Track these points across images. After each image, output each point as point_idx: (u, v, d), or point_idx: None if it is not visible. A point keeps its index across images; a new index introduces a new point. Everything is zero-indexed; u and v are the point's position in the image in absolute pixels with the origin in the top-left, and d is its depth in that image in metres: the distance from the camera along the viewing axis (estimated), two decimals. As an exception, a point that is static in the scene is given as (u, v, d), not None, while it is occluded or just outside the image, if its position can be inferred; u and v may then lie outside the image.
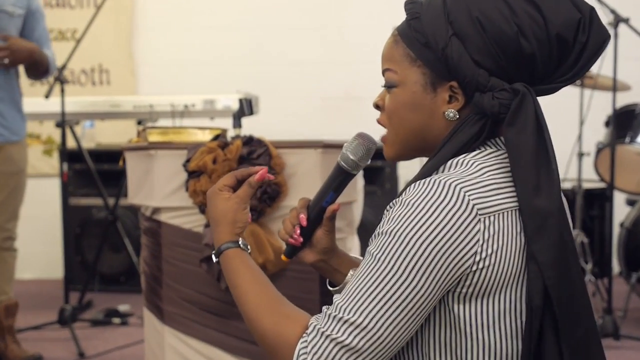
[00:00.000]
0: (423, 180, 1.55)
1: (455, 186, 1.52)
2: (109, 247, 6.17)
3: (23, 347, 4.63)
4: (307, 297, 3.41)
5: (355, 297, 1.53)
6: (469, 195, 1.52)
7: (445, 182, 1.53)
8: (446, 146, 1.63)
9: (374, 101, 1.77)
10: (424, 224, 1.50)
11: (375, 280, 1.52)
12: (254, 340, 3.52)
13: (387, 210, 1.57)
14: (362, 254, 3.57)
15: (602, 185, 5.76)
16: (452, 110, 1.63)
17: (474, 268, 1.52)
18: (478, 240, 1.51)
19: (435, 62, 1.63)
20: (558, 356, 1.56)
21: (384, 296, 1.51)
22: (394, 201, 1.58)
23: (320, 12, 6.91)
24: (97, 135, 6.71)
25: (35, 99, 5.24)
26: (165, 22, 7.12)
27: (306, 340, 1.58)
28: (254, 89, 5.66)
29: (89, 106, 5.65)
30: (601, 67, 4.96)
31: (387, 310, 1.51)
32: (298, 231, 1.86)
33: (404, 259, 1.50)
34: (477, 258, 1.52)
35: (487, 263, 1.52)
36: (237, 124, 3.74)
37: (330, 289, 1.96)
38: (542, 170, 1.57)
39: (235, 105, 5.33)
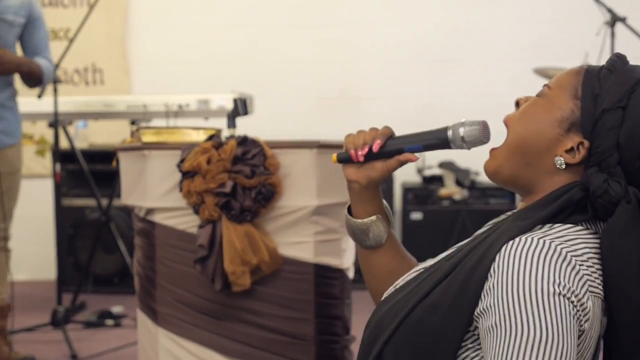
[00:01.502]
0: (532, 240, 1.50)
1: (567, 253, 1.49)
2: (102, 248, 6.16)
3: (15, 349, 4.63)
4: (302, 297, 3.41)
5: None
6: (580, 266, 1.50)
7: (555, 246, 1.49)
8: (548, 204, 1.60)
9: (517, 98, 1.75)
10: (550, 280, 1.45)
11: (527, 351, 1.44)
12: (248, 342, 3.53)
13: (496, 263, 1.51)
14: (357, 256, 3.58)
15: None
16: (563, 160, 1.62)
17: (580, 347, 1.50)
18: (589, 317, 1.49)
19: (590, 114, 1.61)
20: None
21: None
22: (497, 254, 1.51)
23: (316, 11, 6.91)
24: (90, 136, 6.71)
25: (28, 99, 5.22)
26: (159, 21, 7.12)
27: None
28: (249, 88, 5.65)
29: (82, 106, 5.64)
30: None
31: None
32: (365, 150, 1.83)
33: (546, 315, 1.44)
34: (582, 336, 1.50)
35: (584, 346, 1.51)
36: (232, 124, 3.74)
37: (346, 214, 1.95)
38: None
39: (229, 105, 5.33)
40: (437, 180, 6.47)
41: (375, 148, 1.82)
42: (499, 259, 1.50)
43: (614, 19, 5.04)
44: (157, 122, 5.57)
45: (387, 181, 6.18)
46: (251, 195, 3.34)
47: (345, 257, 3.45)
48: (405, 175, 6.48)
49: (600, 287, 1.54)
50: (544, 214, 1.58)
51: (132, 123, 5.65)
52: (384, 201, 1.95)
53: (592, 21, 5.18)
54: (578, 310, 1.46)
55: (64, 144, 5.65)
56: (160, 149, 3.54)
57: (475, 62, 6.72)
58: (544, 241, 1.49)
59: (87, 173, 5.75)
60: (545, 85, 1.70)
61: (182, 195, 3.43)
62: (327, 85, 6.85)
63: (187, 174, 3.41)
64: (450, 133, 1.80)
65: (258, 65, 6.83)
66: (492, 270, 1.50)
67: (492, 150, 1.74)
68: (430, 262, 1.80)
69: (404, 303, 1.64)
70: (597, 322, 1.54)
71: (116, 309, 5.60)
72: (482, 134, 1.79)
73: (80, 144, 6.32)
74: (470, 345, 1.56)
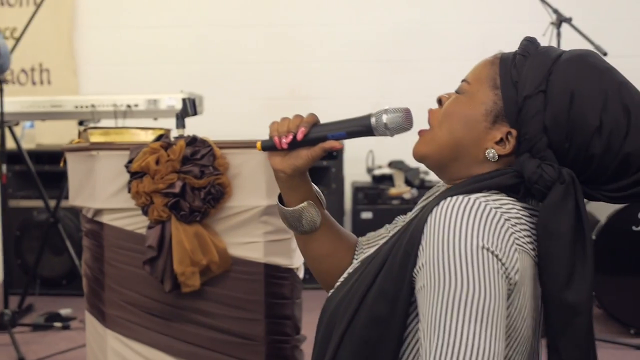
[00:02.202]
0: (459, 197, 1.52)
1: (493, 209, 1.51)
2: (50, 249, 6.11)
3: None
4: (252, 298, 3.41)
5: (442, 336, 1.46)
6: (507, 221, 1.52)
7: (481, 201, 1.52)
8: (475, 182, 1.62)
9: (440, 95, 1.76)
10: (475, 233, 1.48)
11: (454, 311, 1.46)
12: (198, 343, 3.52)
13: (428, 224, 1.53)
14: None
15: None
16: (494, 151, 1.64)
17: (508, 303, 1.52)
18: (517, 269, 1.51)
19: (512, 103, 1.63)
20: None
21: (474, 325, 1.45)
22: (429, 213, 1.53)
23: (266, 9, 6.90)
24: (37, 136, 6.64)
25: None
26: (107, 20, 7.07)
27: None
28: (198, 88, 5.64)
29: (29, 106, 5.59)
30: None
31: (484, 339, 1.45)
32: (289, 138, 1.83)
33: (470, 272, 1.46)
34: (512, 291, 1.51)
35: (515, 303, 1.53)
36: (181, 124, 3.72)
37: (277, 204, 1.95)
38: (577, 265, 1.56)
39: (178, 105, 5.32)
40: (387, 179, 6.49)
41: (299, 136, 1.83)
42: (430, 220, 1.52)
43: (560, 20, 5.09)
44: (105, 123, 5.53)
45: (337, 181, 6.19)
46: (200, 196, 3.34)
47: (295, 257, 3.45)
48: (355, 175, 6.50)
49: (531, 245, 1.56)
50: (475, 186, 1.60)
51: (80, 123, 5.61)
52: (314, 186, 1.96)
53: (539, 22, 5.23)
54: (504, 264, 1.48)
55: (10, 144, 5.60)
56: (108, 149, 3.52)
57: (425, 62, 6.75)
58: (470, 198, 1.52)
59: (34, 174, 5.70)
60: (463, 80, 1.72)
61: (130, 196, 3.41)
62: (277, 85, 6.85)
63: (136, 175, 3.40)
64: (373, 120, 1.81)
65: (207, 65, 6.81)
66: (424, 233, 1.53)
67: (422, 132, 1.77)
68: (372, 249, 1.82)
69: (352, 296, 1.65)
70: (529, 279, 1.55)
71: (64, 312, 5.56)
72: (405, 121, 1.80)
73: (27, 145, 6.25)
74: (416, 327, 1.58)
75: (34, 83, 7.11)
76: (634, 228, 5.25)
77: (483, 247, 1.47)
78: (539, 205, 1.60)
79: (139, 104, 5.39)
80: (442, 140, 1.70)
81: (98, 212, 3.51)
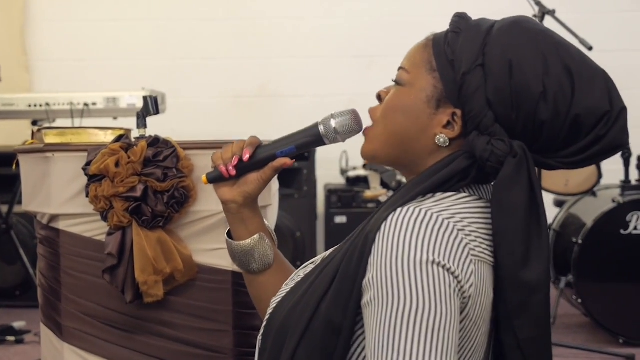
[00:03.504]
0: (410, 209, 1.53)
1: (444, 220, 1.53)
2: (2, 258, 6.10)
3: None
4: (219, 308, 3.41)
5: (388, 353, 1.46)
6: (460, 232, 1.53)
7: (434, 213, 1.53)
8: (431, 176, 1.63)
9: (378, 91, 1.78)
10: (429, 251, 1.49)
11: (400, 330, 1.46)
12: (162, 356, 3.52)
13: (376, 240, 1.53)
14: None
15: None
16: (444, 136, 1.66)
17: (463, 318, 1.54)
18: (471, 283, 1.53)
19: (451, 82, 1.65)
20: None
21: (422, 344, 1.45)
22: (375, 228, 1.55)
23: (232, 3, 6.90)
24: (-12, 137, 6.62)
25: None
26: (61, 13, 7.05)
27: None
28: (160, 86, 5.64)
29: (-21, 105, 5.57)
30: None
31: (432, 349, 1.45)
32: (235, 163, 1.83)
33: (422, 292, 1.46)
34: (467, 302, 1.53)
35: (470, 314, 1.54)
36: (142, 124, 3.71)
37: (227, 239, 1.97)
38: (533, 241, 1.58)
39: (139, 104, 5.31)
40: (362, 181, 6.51)
41: (245, 158, 1.83)
42: (379, 233, 1.53)
43: (543, 12, 5.13)
44: (61, 122, 5.52)
45: (309, 183, 6.20)
46: (163, 200, 3.33)
47: (265, 265, 3.45)
48: (329, 177, 6.52)
49: (487, 251, 1.58)
50: (427, 186, 1.62)
51: (34, 123, 5.60)
52: (265, 221, 1.98)
53: (521, 14, 5.26)
54: (457, 277, 1.49)
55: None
56: (64, 150, 3.51)
57: (399, 58, 6.78)
58: (419, 210, 1.53)
59: (-15, 177, 5.68)
60: (400, 68, 1.75)
61: (88, 201, 3.40)
62: (245, 82, 6.86)
63: (94, 178, 3.39)
64: (322, 128, 1.83)
65: (170, 61, 6.80)
66: (374, 245, 1.54)
67: (367, 130, 1.79)
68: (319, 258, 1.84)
69: (305, 304, 1.66)
70: (488, 287, 1.57)
71: (18, 324, 5.54)
72: (354, 123, 1.82)
73: (-23, 146, 6.23)
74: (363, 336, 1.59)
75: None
76: (622, 232, 5.28)
77: (434, 262, 1.48)
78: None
79: (97, 102, 5.39)
80: (388, 136, 1.72)
81: (54, 217, 3.50)
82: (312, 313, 1.62)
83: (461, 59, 1.64)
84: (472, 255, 1.53)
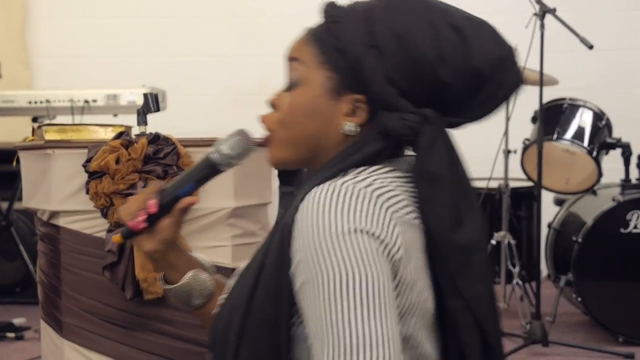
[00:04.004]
0: (324, 186, 1.53)
1: (361, 188, 1.52)
2: (2, 255, 6.10)
3: None
4: (219, 306, 3.42)
5: (332, 325, 1.46)
6: (379, 197, 1.53)
7: (348, 184, 1.52)
8: (343, 160, 1.62)
9: (268, 98, 1.75)
10: (349, 220, 1.48)
11: (338, 303, 1.45)
12: (162, 353, 3.51)
13: (295, 225, 1.53)
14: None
15: (529, 184, 5.86)
16: (352, 124, 1.64)
17: (396, 278, 1.52)
18: (399, 244, 1.52)
19: (346, 70, 1.63)
20: None
21: (363, 311, 1.45)
22: (294, 214, 1.54)
23: (231, 0, 6.91)
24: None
25: None
26: (62, 10, 7.05)
27: None
28: (161, 83, 5.64)
29: (-21, 102, 5.58)
30: (527, 60, 5.05)
31: (376, 321, 1.45)
32: (143, 216, 1.80)
33: (351, 262, 1.46)
34: (398, 264, 1.51)
35: (403, 275, 1.53)
36: (143, 121, 3.71)
37: (162, 284, 1.92)
38: (462, 203, 1.59)
39: (140, 101, 5.31)
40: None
41: (151, 209, 1.80)
42: (298, 216, 1.53)
43: (544, 11, 5.13)
44: (61, 119, 5.52)
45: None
46: (162, 197, 3.34)
47: (265, 262, 3.45)
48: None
49: (412, 214, 1.57)
50: (338, 168, 1.60)
51: (34, 120, 5.60)
52: (196, 255, 1.97)
53: (522, 12, 5.26)
54: (383, 241, 1.49)
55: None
56: (64, 147, 3.51)
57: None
58: (335, 184, 1.52)
59: (-15, 174, 5.69)
60: (289, 71, 1.73)
61: (89, 197, 3.41)
62: (245, 80, 6.86)
63: (95, 175, 3.39)
64: (215, 156, 1.81)
65: (170, 58, 6.81)
66: (293, 232, 1.54)
67: (268, 139, 1.75)
68: None
69: (235, 302, 1.66)
70: (418, 251, 1.57)
71: (18, 321, 5.54)
72: (246, 142, 1.81)
73: (-23, 143, 6.23)
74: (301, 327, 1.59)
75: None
76: (622, 230, 5.28)
77: (356, 230, 1.47)
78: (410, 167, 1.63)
79: (98, 99, 5.39)
80: (295, 139, 1.70)
81: (54, 214, 3.50)
82: (243, 312, 1.61)
83: (350, 45, 1.62)
84: (396, 217, 1.53)
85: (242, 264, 1.84)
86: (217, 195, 3.39)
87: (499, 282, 5.66)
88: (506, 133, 5.45)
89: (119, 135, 3.50)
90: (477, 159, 5.79)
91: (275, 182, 3.52)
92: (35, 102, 5.50)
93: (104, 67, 6.78)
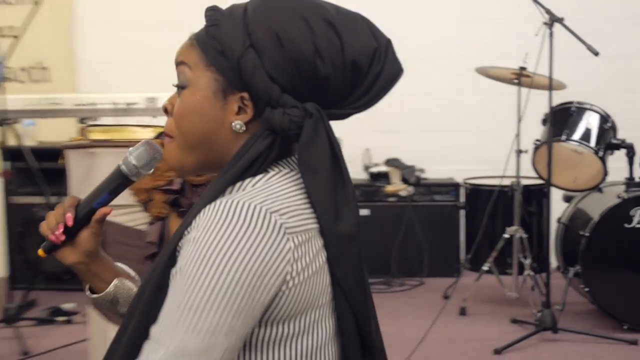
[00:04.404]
0: (219, 203, 1.47)
1: (256, 205, 1.47)
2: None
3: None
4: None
5: (171, 327, 1.45)
6: (273, 214, 1.47)
7: (244, 202, 1.47)
8: (236, 163, 1.57)
9: (163, 104, 1.70)
10: (235, 251, 1.43)
11: (187, 314, 1.43)
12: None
13: (187, 239, 1.49)
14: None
15: (539, 182, 5.84)
16: (240, 122, 1.59)
17: (284, 290, 1.48)
18: (289, 259, 1.47)
19: (229, 70, 1.59)
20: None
21: (201, 329, 1.43)
22: (189, 227, 1.50)
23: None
24: (38, 134, 6.64)
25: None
26: (106, 18, 7.06)
27: None
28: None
29: (30, 104, 5.59)
30: (537, 66, 5.03)
31: (207, 340, 1.43)
32: (61, 229, 1.75)
33: (219, 292, 1.42)
34: (288, 277, 1.47)
35: (296, 283, 1.49)
36: (180, 122, 3.72)
37: (89, 294, 1.88)
38: (339, 194, 1.57)
39: (177, 103, 5.32)
40: (384, 177, 6.49)
41: (68, 222, 1.76)
42: (191, 229, 1.48)
43: (553, 20, 5.10)
44: (104, 121, 5.54)
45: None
46: (199, 193, 3.35)
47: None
48: (352, 172, 6.48)
49: (309, 219, 1.53)
50: (233, 173, 1.56)
51: (80, 121, 5.61)
52: (118, 264, 1.91)
53: (532, 22, 5.24)
54: (267, 265, 1.44)
55: (12, 142, 5.62)
56: (108, 146, 3.54)
57: (417, 61, 6.76)
58: (229, 203, 1.46)
59: (35, 171, 5.71)
60: (178, 75, 1.68)
61: (130, 193, 3.42)
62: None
63: (136, 172, 3.41)
64: (123, 167, 1.77)
65: None
66: (185, 241, 1.49)
67: (166, 147, 1.70)
68: None
69: (132, 314, 1.61)
70: (318, 248, 1.53)
71: (67, 306, 5.57)
72: (152, 152, 1.76)
73: (29, 142, 6.25)
74: None
75: (33, 81, 7.11)
76: (626, 225, 5.26)
77: (245, 267, 1.43)
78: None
79: (138, 102, 5.39)
80: (188, 143, 1.65)
81: (99, 208, 3.52)
82: (137, 321, 1.57)
83: (230, 46, 1.58)
84: (290, 232, 1.48)
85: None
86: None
87: (511, 273, 5.65)
88: (518, 134, 5.43)
89: (158, 135, 3.51)
90: (492, 158, 5.81)
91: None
92: (82, 105, 5.52)
93: (144, 72, 6.78)
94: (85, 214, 1.77)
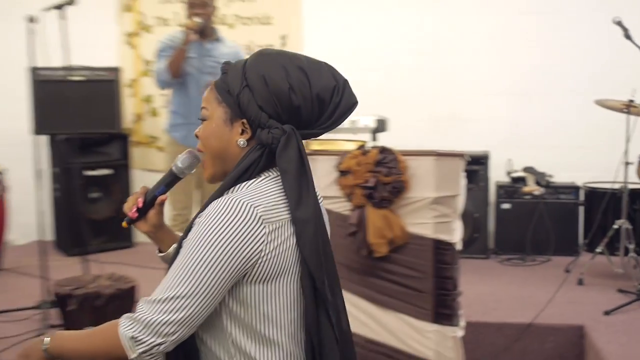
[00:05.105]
0: (219, 200, 1.56)
1: (245, 202, 1.55)
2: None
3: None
4: (423, 262, 3.40)
5: (171, 280, 1.53)
6: (255, 208, 1.55)
7: (237, 199, 1.55)
8: (235, 169, 1.64)
9: (195, 132, 1.76)
10: (222, 232, 1.52)
11: (185, 270, 1.52)
12: (385, 293, 3.52)
13: (196, 222, 1.57)
14: (464, 234, 3.54)
15: (643, 186, 5.57)
16: (242, 140, 1.66)
17: (260, 260, 1.54)
18: (264, 240, 1.54)
19: (233, 104, 1.65)
20: (328, 320, 1.63)
21: (192, 281, 1.51)
22: (200, 214, 1.58)
23: (435, 50, 6.79)
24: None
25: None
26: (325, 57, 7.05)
27: (128, 317, 1.56)
28: (385, 112, 5.67)
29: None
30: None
31: (195, 289, 1.51)
32: (135, 209, 1.84)
33: (207, 257, 1.51)
34: (263, 253, 1.54)
35: (270, 257, 1.55)
36: (374, 138, 3.76)
37: (158, 254, 1.94)
38: (303, 189, 1.60)
39: (372, 124, 5.37)
40: (521, 180, 6.35)
41: (139, 204, 1.84)
42: (198, 219, 1.58)
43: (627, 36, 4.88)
44: (323, 136, 5.63)
45: (484, 180, 6.09)
46: (388, 189, 3.37)
47: (455, 234, 3.42)
48: (498, 176, 6.38)
49: (283, 212, 1.59)
50: (231, 177, 1.63)
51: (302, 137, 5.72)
52: (175, 233, 1.95)
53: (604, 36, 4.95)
54: (246, 248, 1.52)
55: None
56: (324, 154, 3.59)
57: (548, 96, 6.56)
58: (227, 200, 1.55)
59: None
60: (202, 113, 1.73)
61: (338, 188, 3.48)
62: (441, 108, 6.76)
63: (343, 173, 3.46)
64: (174, 168, 1.82)
65: (391, 96, 6.75)
66: (193, 227, 1.59)
67: (202, 162, 1.77)
68: None
69: None
70: (286, 238, 1.59)
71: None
72: (192, 158, 1.80)
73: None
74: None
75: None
76: None
77: (228, 246, 1.51)
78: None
79: (344, 123, 5.47)
80: (212, 158, 1.72)
81: (317, 198, 3.58)
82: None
83: (233, 86, 1.65)
84: (267, 221, 1.55)
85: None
86: (423, 188, 3.39)
87: (619, 254, 5.41)
88: (626, 150, 5.19)
89: (359, 147, 3.55)
90: (605, 167, 5.59)
91: (464, 181, 3.48)
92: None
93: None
94: (150, 199, 1.86)
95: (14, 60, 5.61)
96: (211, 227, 1.53)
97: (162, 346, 1.53)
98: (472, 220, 5.96)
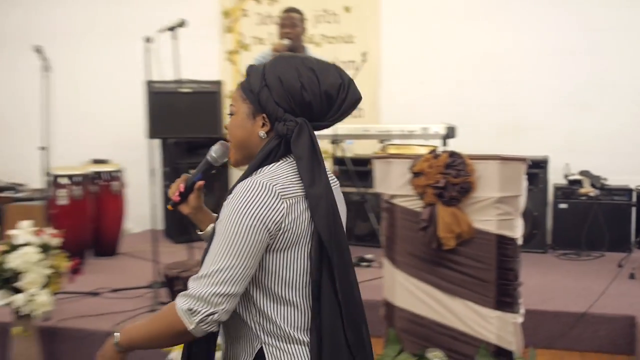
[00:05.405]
0: (243, 182, 1.60)
1: (264, 182, 1.58)
2: (360, 218, 6.19)
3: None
4: (488, 255, 3.35)
5: (212, 257, 1.56)
6: (274, 186, 1.58)
7: (258, 180, 1.59)
8: (257, 156, 1.67)
9: (224, 124, 1.82)
10: (248, 209, 1.55)
11: (222, 247, 1.55)
12: (452, 281, 3.47)
13: (225, 204, 1.60)
14: (525, 231, 3.42)
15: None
16: (263, 132, 1.68)
17: (281, 231, 1.57)
18: (283, 214, 1.57)
19: (254, 101, 1.68)
20: (331, 283, 1.61)
21: (230, 255, 1.54)
22: (228, 197, 1.60)
23: (497, 66, 6.65)
24: (354, 149, 6.77)
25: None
26: (403, 75, 6.96)
27: (182, 294, 1.58)
28: (454, 120, 5.59)
29: (350, 131, 5.76)
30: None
31: (233, 261, 1.54)
32: (177, 193, 1.88)
33: (239, 232, 1.54)
34: (283, 224, 1.57)
35: (288, 227, 1.58)
36: (444, 143, 3.70)
37: (198, 232, 1.95)
38: (315, 171, 1.62)
39: (442, 131, 5.30)
40: (578, 183, 6.15)
41: (181, 189, 1.88)
42: (228, 199, 1.60)
43: None
44: (396, 141, 5.60)
45: (543, 182, 5.92)
46: (456, 189, 3.32)
47: (516, 231, 3.34)
48: (556, 179, 6.20)
49: (298, 190, 1.61)
50: (254, 163, 1.65)
51: (381, 142, 5.71)
52: (212, 214, 1.96)
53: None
54: (267, 223, 1.56)
55: (339, 153, 5.79)
56: (399, 158, 3.58)
57: (602, 106, 6.33)
58: (252, 180, 1.60)
59: (351, 172, 5.86)
60: (229, 106, 1.75)
61: (412, 187, 3.44)
62: (505, 119, 6.61)
63: (416, 174, 3.42)
64: (209, 157, 1.84)
65: (458, 107, 6.63)
66: (223, 206, 1.61)
67: (229, 150, 1.79)
68: None
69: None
70: (301, 212, 1.60)
71: (369, 256, 5.64)
72: (224, 149, 1.83)
73: (349, 154, 6.40)
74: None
75: (353, 116, 7.20)
76: None
77: (252, 221, 1.55)
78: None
79: (416, 130, 5.42)
80: (236, 147, 1.74)
81: (392, 196, 3.56)
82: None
83: (254, 86, 1.67)
84: (283, 196, 1.58)
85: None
86: (488, 189, 3.33)
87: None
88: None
89: (430, 152, 3.51)
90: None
91: (525, 183, 3.39)
92: (381, 132, 5.61)
93: (420, 108, 6.69)
94: (190, 185, 1.90)
95: (133, 75, 5.78)
96: (238, 206, 1.57)
97: (216, 315, 1.55)
98: (532, 218, 5.81)
